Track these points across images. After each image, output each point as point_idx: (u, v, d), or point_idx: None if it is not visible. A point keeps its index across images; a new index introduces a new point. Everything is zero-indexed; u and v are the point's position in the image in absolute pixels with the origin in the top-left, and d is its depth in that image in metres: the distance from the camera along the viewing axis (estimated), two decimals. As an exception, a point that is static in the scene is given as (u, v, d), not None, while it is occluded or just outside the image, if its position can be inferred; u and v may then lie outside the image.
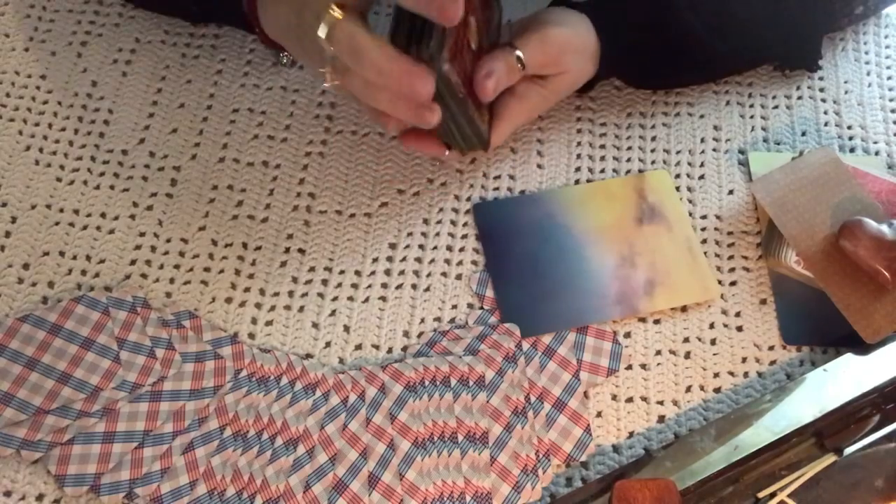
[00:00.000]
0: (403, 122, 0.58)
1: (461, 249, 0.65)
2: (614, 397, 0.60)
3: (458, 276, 0.64)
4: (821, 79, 0.74)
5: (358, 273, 0.64)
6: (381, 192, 0.68)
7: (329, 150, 0.69)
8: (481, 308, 0.63)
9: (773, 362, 0.62)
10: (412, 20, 0.51)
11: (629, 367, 0.61)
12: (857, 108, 0.73)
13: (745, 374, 0.61)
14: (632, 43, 0.65)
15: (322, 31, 0.52)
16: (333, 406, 0.58)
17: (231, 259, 0.64)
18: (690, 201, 0.68)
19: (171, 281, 0.63)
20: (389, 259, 0.65)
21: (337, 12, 0.52)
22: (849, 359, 0.59)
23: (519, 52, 0.58)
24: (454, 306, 0.63)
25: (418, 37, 0.51)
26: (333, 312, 0.63)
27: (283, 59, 0.72)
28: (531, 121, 0.70)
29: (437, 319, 0.63)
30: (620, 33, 0.64)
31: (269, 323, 0.62)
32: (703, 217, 0.67)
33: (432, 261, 0.65)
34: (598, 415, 0.59)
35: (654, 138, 0.71)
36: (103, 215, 0.66)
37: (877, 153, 0.71)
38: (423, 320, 0.63)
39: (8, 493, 0.55)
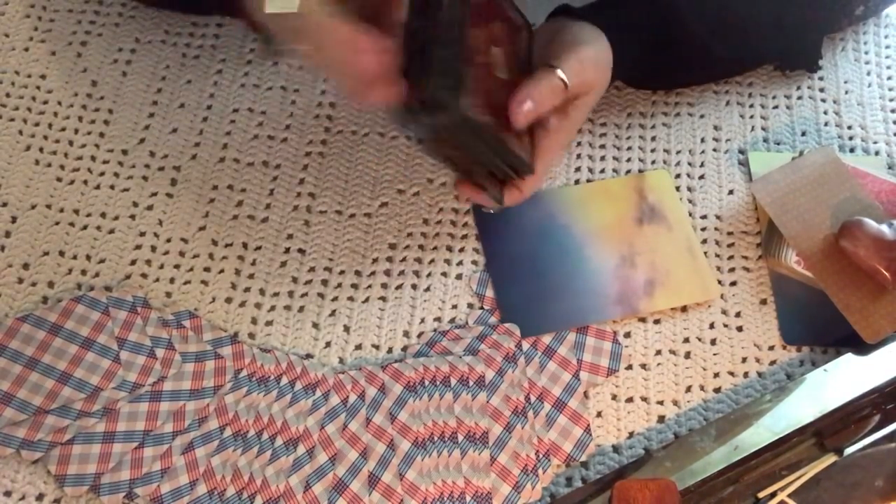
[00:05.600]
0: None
1: (461, 249, 0.65)
2: (614, 397, 0.60)
3: (458, 276, 0.64)
4: (821, 79, 0.74)
5: (358, 273, 0.64)
6: (381, 192, 0.68)
7: (329, 150, 0.69)
8: (481, 308, 0.63)
9: (773, 362, 0.62)
10: (419, 54, 0.49)
11: (629, 367, 0.61)
12: (857, 108, 0.73)
13: (745, 374, 0.61)
14: (635, 46, 0.65)
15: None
16: (333, 406, 0.58)
17: (231, 259, 0.64)
18: (690, 201, 0.68)
19: (171, 281, 0.63)
20: (389, 259, 0.65)
21: None
22: (849, 359, 0.59)
23: (561, 73, 0.55)
24: (454, 306, 0.63)
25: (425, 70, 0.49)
26: (333, 312, 0.63)
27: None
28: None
29: (437, 319, 0.63)
30: (624, 38, 0.64)
31: (269, 323, 0.62)
32: (703, 217, 0.67)
33: (432, 261, 0.65)
34: (598, 415, 0.59)
35: (654, 138, 0.71)
36: (103, 215, 0.66)
37: (877, 153, 0.71)
38: (423, 320, 0.63)
39: (8, 493, 0.55)
